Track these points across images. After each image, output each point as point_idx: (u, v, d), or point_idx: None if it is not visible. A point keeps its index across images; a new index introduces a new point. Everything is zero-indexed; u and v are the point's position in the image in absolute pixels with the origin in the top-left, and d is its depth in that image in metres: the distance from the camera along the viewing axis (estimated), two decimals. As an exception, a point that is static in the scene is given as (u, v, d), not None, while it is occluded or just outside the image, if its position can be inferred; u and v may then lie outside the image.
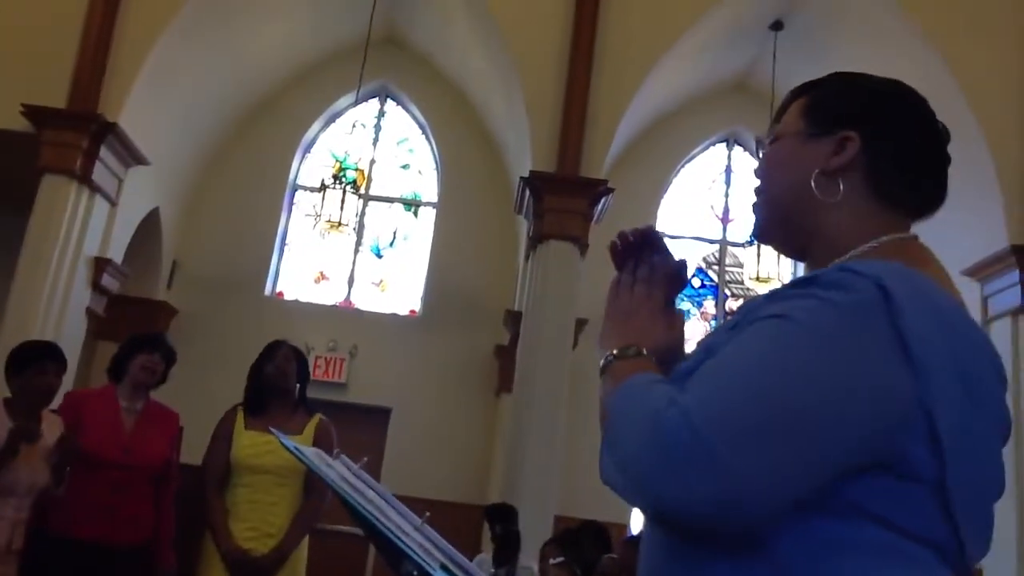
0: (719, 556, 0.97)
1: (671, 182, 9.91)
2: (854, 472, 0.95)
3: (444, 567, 1.17)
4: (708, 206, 10.07)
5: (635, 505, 0.99)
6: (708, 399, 0.92)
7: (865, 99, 1.16)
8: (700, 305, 9.79)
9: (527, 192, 7.78)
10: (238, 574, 3.64)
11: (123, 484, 3.70)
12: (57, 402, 3.88)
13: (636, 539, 2.60)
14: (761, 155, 1.23)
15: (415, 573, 1.23)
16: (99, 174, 7.40)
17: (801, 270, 1.24)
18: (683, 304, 9.64)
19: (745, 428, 0.90)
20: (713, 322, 9.61)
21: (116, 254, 8.02)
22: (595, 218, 7.83)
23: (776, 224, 1.20)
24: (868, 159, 1.13)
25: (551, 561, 4.66)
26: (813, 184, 1.13)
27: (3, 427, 3.51)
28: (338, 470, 1.30)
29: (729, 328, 1.07)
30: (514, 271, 9.18)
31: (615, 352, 1.13)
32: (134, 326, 6.66)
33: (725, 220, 10.03)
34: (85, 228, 7.37)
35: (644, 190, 9.47)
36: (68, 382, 6.09)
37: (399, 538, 1.18)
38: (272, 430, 1.92)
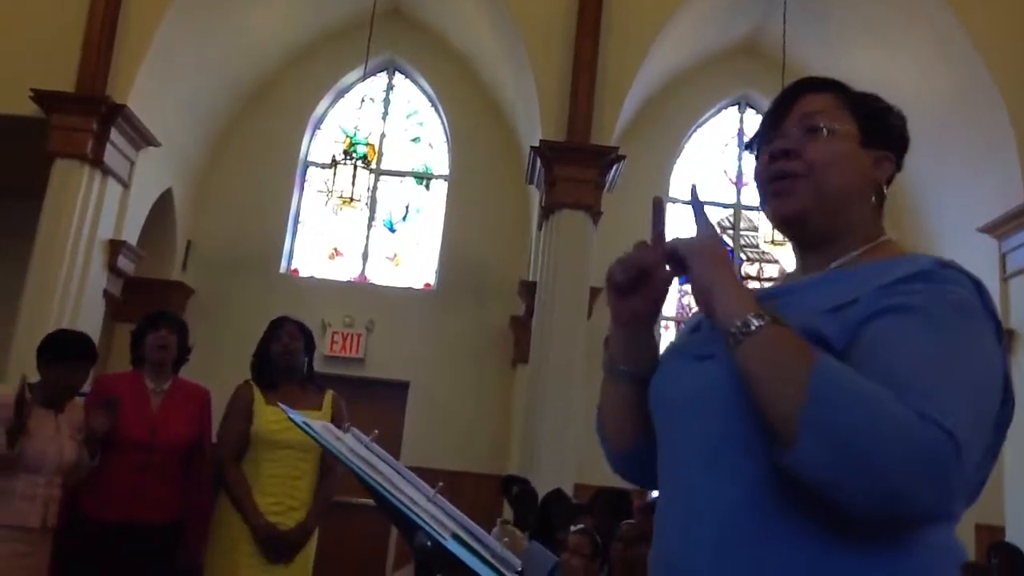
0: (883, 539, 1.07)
1: (683, 148, 9.84)
2: None
3: (456, 536, 1.17)
4: (721, 170, 10.00)
5: (844, 498, 1.01)
6: (957, 417, 1.00)
7: (900, 130, 1.33)
8: (716, 270, 9.73)
9: (538, 162, 7.74)
10: (268, 548, 3.68)
11: (150, 465, 3.72)
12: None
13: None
14: (809, 137, 1.27)
15: (429, 543, 1.24)
16: (110, 157, 7.42)
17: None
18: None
19: (976, 444, 1.04)
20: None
21: (131, 236, 8.05)
22: (607, 186, 7.79)
23: (819, 213, 1.26)
24: (888, 176, 1.31)
25: (571, 528, 4.68)
26: (861, 191, 1.27)
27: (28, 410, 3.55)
28: (348, 443, 1.31)
29: (827, 310, 1.13)
30: (527, 242, 9.17)
31: (760, 318, 1.11)
32: (151, 307, 6.67)
33: (739, 184, 9.97)
34: (99, 211, 7.40)
35: (656, 156, 9.41)
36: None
37: (410, 509, 1.18)
38: (280, 405, 1.93)
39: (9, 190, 7.96)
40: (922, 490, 0.98)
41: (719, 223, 9.86)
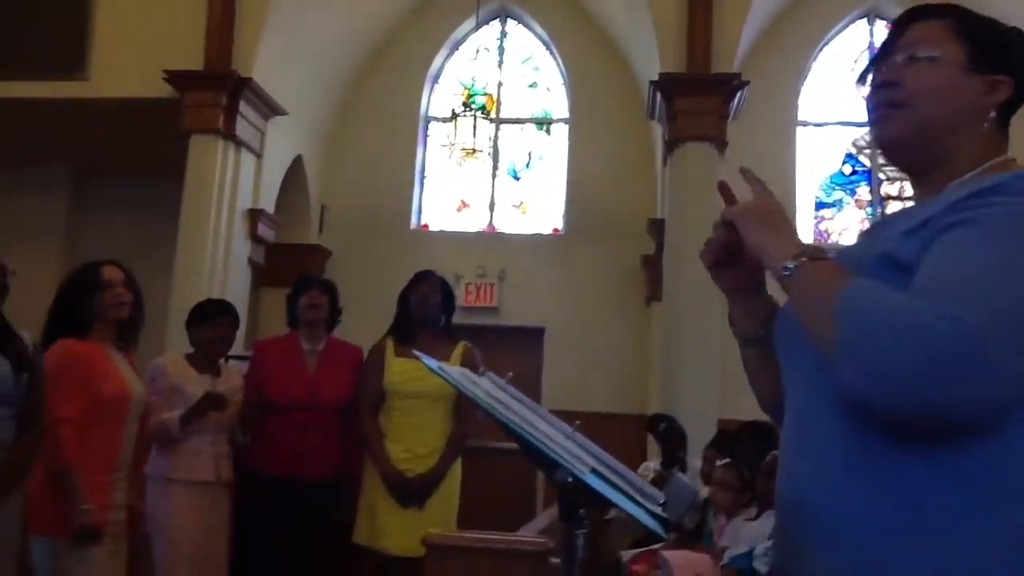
0: (952, 442, 1.07)
1: (810, 68, 9.40)
2: None
3: (595, 471, 1.18)
4: (853, 88, 9.52)
5: (886, 408, 1.05)
6: (978, 310, 1.00)
7: (1019, 52, 1.28)
8: (853, 193, 9.36)
9: (658, 96, 7.59)
10: (396, 493, 3.82)
11: (310, 423, 3.89)
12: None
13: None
14: (910, 66, 1.27)
15: (569, 479, 1.25)
16: (241, 129, 7.70)
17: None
18: (835, 193, 9.27)
19: (1007, 333, 1.01)
20: (869, 209, 9.18)
21: (267, 204, 8.37)
22: (731, 115, 7.57)
23: (918, 141, 1.27)
24: (1006, 100, 1.27)
25: (716, 463, 4.65)
26: (968, 117, 1.25)
27: (187, 376, 3.86)
28: (484, 386, 1.33)
29: (904, 233, 1.16)
30: (653, 178, 9.03)
31: (805, 254, 1.17)
32: (293, 272, 6.96)
33: (873, 100, 9.47)
34: (236, 182, 7.73)
35: (781, 79, 9.05)
36: (240, 330, 6.48)
37: (548, 446, 1.20)
38: (416, 352, 1.98)
39: (153, 168, 8.38)
40: (948, 385, 0.99)
41: (855, 143, 9.43)
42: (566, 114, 9.77)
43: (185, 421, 3.72)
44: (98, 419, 3.22)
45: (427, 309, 4.03)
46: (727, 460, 4.46)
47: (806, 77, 9.37)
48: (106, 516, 3.18)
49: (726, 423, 6.56)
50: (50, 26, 7.84)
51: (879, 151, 1.35)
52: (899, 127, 1.27)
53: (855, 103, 9.50)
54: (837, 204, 9.27)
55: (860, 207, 9.30)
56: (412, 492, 3.82)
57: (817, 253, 1.17)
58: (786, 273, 1.16)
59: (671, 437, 6.12)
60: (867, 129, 9.32)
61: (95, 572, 3.15)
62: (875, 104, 1.30)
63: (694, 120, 7.32)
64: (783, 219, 1.25)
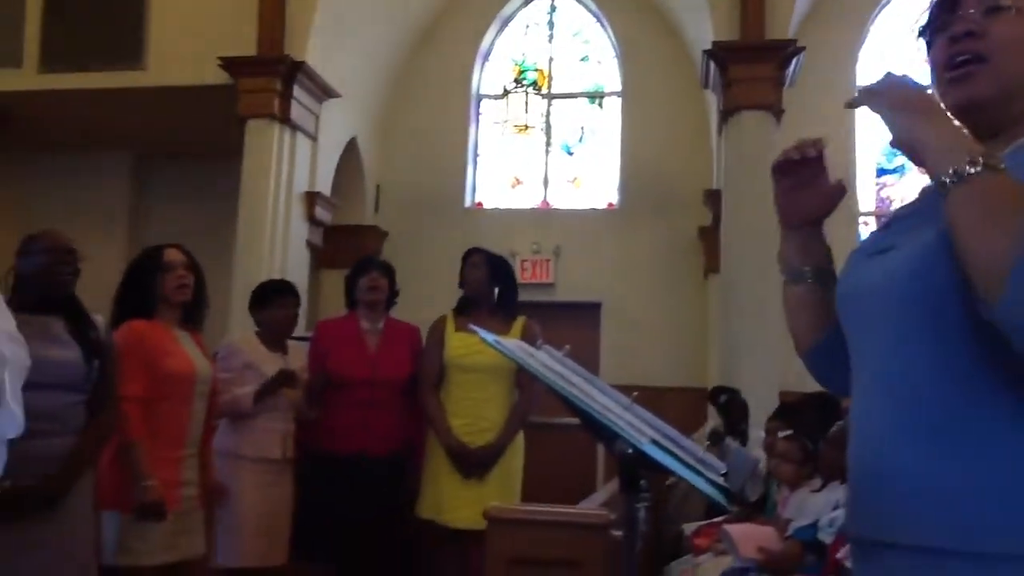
0: None
1: (868, 31, 9.17)
2: None
3: (654, 441, 1.18)
4: (914, 50, 9.28)
5: None
6: None
7: None
8: (915, 158, 9.12)
9: (711, 65, 7.47)
10: (459, 465, 3.87)
11: (373, 401, 3.95)
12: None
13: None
14: (991, 17, 1.18)
15: (629, 450, 1.25)
16: (296, 112, 7.78)
17: None
18: (896, 159, 9.05)
19: None
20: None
21: (324, 187, 8.46)
22: (787, 82, 7.43)
23: (999, 98, 1.19)
24: None
25: (779, 435, 4.60)
26: None
27: (260, 354, 3.98)
28: (541, 359, 1.33)
29: None
30: (708, 149, 8.91)
31: (976, 164, 1.06)
32: (351, 253, 7.04)
33: (934, 62, 9.22)
34: (292, 165, 7.82)
35: (839, 44, 8.82)
36: (300, 311, 6.58)
37: (606, 417, 1.20)
38: (471, 327, 1.99)
39: (213, 152, 8.52)
40: None
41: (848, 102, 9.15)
42: (618, 87, 9.68)
43: (259, 397, 3.81)
44: (164, 397, 3.30)
45: (474, 286, 4.07)
46: (789, 432, 4.41)
47: (864, 40, 9.14)
48: (175, 492, 3.27)
49: (787, 395, 6.49)
50: (107, 19, 8.00)
51: (954, 111, 1.22)
52: (982, 87, 1.18)
53: (916, 65, 9.26)
54: (899, 170, 9.06)
55: (922, 172, 9.06)
56: (474, 463, 3.86)
57: (992, 161, 1.06)
58: (956, 177, 1.05)
59: (732, 409, 6.09)
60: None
61: (157, 548, 3.24)
62: (950, 58, 1.20)
63: (749, 88, 7.20)
64: (941, 110, 1.14)
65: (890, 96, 1.14)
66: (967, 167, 1.05)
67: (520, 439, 4.04)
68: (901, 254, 1.17)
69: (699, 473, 1.25)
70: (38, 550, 2.72)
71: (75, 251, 2.98)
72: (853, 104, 1.20)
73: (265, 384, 3.83)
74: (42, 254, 2.91)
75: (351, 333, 4.07)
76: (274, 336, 4.08)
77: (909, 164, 8.02)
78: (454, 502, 3.83)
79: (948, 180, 1.06)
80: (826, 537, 3.21)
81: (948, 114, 1.15)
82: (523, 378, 3.92)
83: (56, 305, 2.94)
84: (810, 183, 1.32)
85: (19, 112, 8.41)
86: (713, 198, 8.09)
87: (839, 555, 2.89)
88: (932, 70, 1.26)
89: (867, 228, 8.85)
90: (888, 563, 1.13)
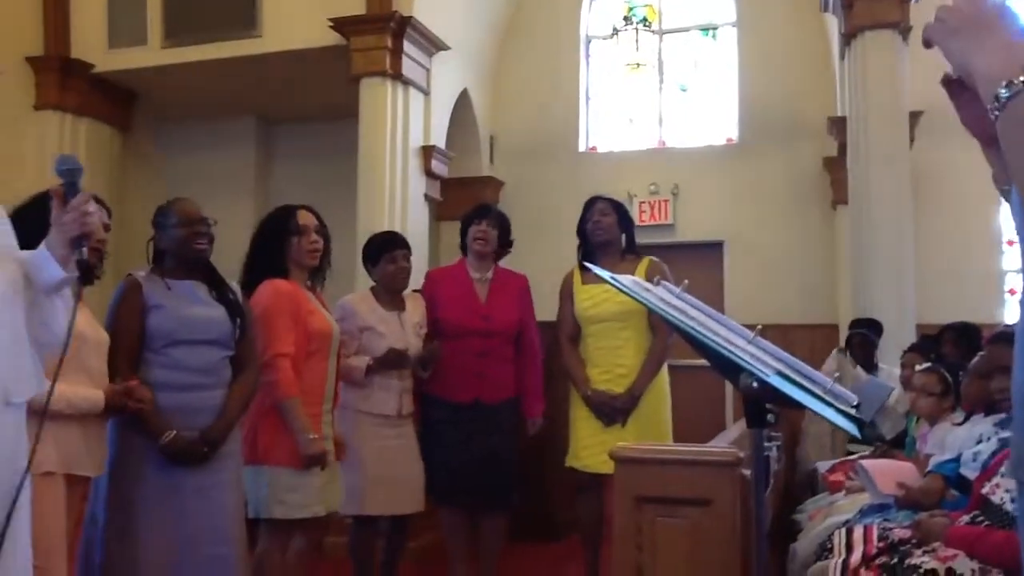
0: None
1: (1003, -66, 8.57)
2: None
3: (780, 373, 1.15)
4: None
5: None
6: None
7: None
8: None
9: (831, -15, 7.11)
10: (600, 413, 3.95)
11: (487, 349, 4.05)
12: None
13: (1009, 334, 2.38)
14: None
15: (754, 384, 1.22)
16: (408, 68, 7.83)
17: None
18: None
19: None
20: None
21: (439, 140, 8.52)
22: (914, -4, 7.01)
23: None
24: None
25: (916, 368, 4.43)
26: None
27: (376, 315, 3.99)
28: (659, 293, 1.31)
29: None
30: (830, 74, 8.52)
31: None
32: (468, 204, 7.06)
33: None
34: (407, 121, 7.90)
35: (971, -49, 8.27)
36: (422, 264, 6.68)
37: (729, 350, 1.17)
38: (587, 265, 1.97)
39: (332, 112, 8.69)
40: None
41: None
42: (732, 17, 9.33)
43: (369, 372, 3.87)
44: (309, 354, 3.44)
45: (602, 233, 4.10)
46: (928, 364, 4.25)
47: (999, -54, 8.54)
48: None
49: (925, 328, 6.23)
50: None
51: None
52: None
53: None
54: None
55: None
56: (616, 410, 3.92)
57: None
58: (1004, 97, 0.93)
59: (862, 345, 6.03)
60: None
61: (311, 500, 3.39)
62: None
63: (872, 6, 6.81)
64: (999, 24, 0.99)
65: (950, 19, 1.03)
66: (1020, 84, 0.93)
67: (665, 384, 4.09)
68: None
69: (829, 404, 1.21)
70: (201, 494, 2.94)
71: (206, 219, 3.12)
72: (927, 43, 1.08)
73: (375, 362, 3.87)
74: (177, 227, 3.06)
75: (460, 282, 4.14)
76: (389, 291, 4.07)
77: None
78: (594, 448, 3.90)
79: (1002, 98, 0.94)
80: (970, 472, 3.08)
81: (1004, 25, 0.99)
82: (656, 321, 3.93)
83: (196, 271, 3.11)
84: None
85: (147, 87, 8.78)
86: (838, 126, 7.75)
87: (984, 490, 2.76)
88: None
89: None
90: None
